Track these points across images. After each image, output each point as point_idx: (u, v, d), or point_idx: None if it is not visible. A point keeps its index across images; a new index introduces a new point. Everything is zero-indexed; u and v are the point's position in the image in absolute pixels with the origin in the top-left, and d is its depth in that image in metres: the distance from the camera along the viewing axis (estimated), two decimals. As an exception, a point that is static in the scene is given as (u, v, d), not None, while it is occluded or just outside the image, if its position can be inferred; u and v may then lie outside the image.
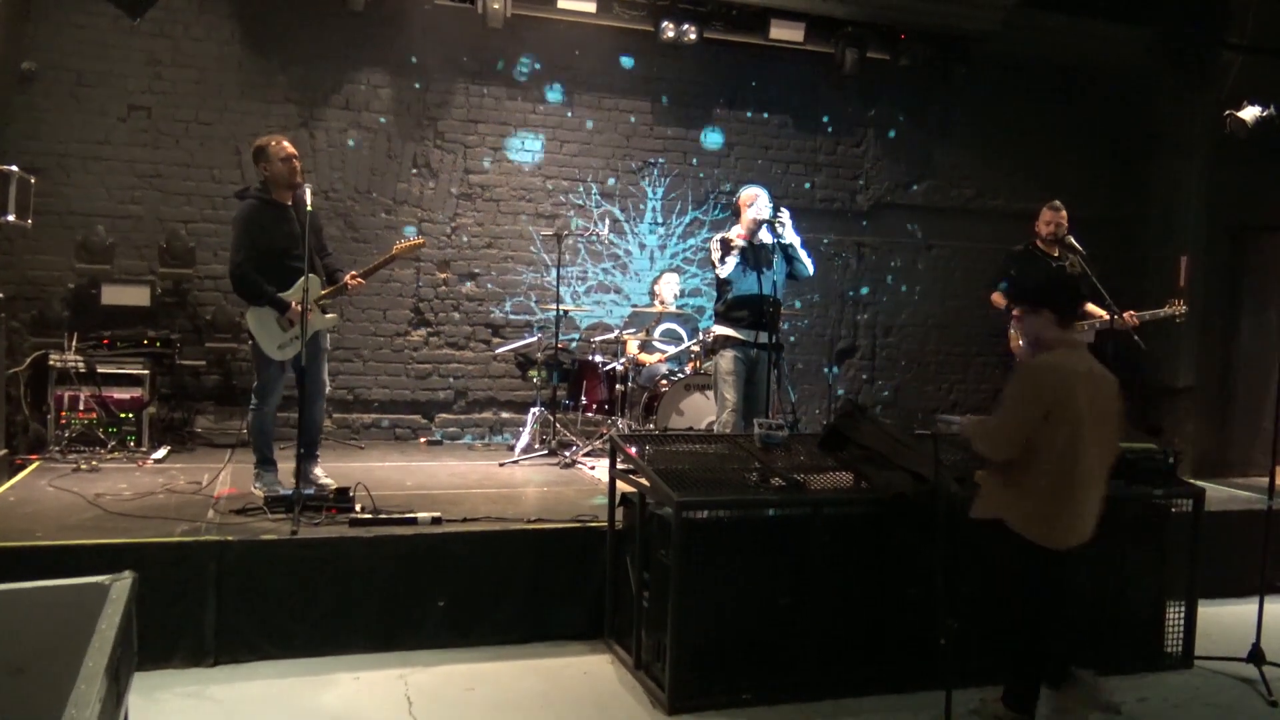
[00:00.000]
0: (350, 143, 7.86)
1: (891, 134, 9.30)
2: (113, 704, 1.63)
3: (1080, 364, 3.90)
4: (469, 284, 8.22)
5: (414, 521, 4.88)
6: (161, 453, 6.67)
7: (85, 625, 1.87)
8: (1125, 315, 6.53)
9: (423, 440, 8.06)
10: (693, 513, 4.15)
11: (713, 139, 8.81)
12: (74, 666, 1.68)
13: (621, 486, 4.88)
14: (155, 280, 7.32)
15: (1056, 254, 6.87)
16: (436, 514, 4.94)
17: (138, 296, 7.16)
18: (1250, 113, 7.28)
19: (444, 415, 8.21)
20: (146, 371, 6.84)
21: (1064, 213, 6.86)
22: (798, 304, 8.89)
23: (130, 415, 6.72)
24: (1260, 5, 5.55)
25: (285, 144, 5.38)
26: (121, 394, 6.75)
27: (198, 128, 7.52)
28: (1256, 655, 4.73)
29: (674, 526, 4.10)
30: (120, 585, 2.03)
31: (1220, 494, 7.00)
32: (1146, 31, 7.60)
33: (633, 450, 4.66)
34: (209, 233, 7.56)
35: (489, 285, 8.26)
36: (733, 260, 6.05)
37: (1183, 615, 4.95)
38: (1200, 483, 5.70)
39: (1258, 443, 9.62)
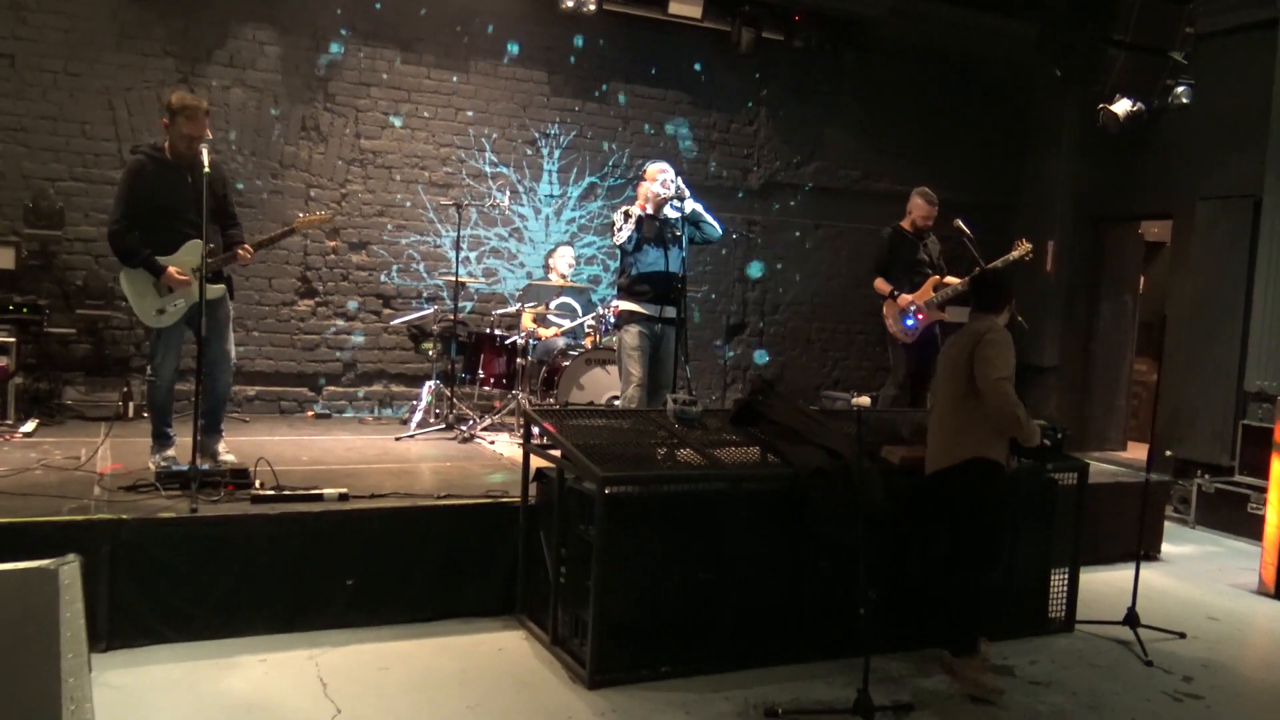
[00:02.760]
0: (233, 102, 7.49)
1: (775, 110, 9.45)
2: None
3: (960, 334, 4.60)
4: (360, 253, 7.97)
5: (320, 498, 4.72)
6: (30, 426, 6.26)
7: (40, 613, 1.75)
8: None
9: (309, 413, 7.82)
10: (616, 488, 4.15)
11: (610, 112, 8.76)
12: (43, 657, 1.57)
13: (533, 461, 4.84)
14: (20, 242, 6.84)
15: (922, 238, 7.22)
16: (343, 490, 4.79)
17: (0, 259, 6.66)
18: (1122, 106, 7.70)
19: (332, 388, 7.97)
20: (12, 339, 6.39)
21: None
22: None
23: (-6, 386, 6.28)
24: (1143, 4, 5.86)
25: (196, 119, 5.00)
26: (-16, 363, 6.29)
27: (67, 79, 7.04)
28: (1132, 619, 5.05)
29: (598, 503, 4.09)
30: (69, 570, 1.89)
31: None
32: (1031, 25, 7.94)
33: (550, 425, 4.61)
34: (79, 192, 7.11)
35: (381, 254, 8.03)
36: (629, 228, 6.01)
37: (1066, 582, 5.24)
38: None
39: (1112, 419, 10.26)
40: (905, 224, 7.21)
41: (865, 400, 8.48)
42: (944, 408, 4.51)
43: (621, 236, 6.04)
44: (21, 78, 6.92)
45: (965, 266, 7.29)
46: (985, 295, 4.61)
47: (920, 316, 6.99)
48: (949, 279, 7.02)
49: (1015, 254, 6.85)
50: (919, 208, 7.14)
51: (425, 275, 8.16)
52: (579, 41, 8.51)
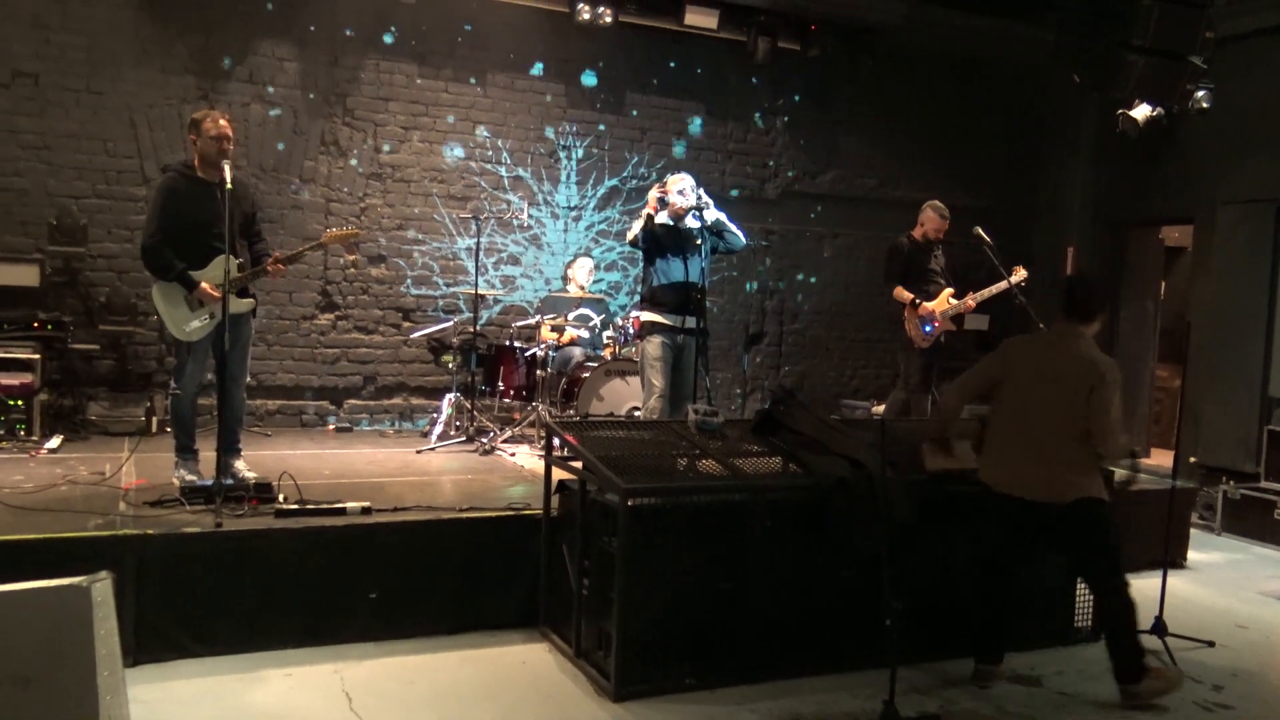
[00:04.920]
0: (252, 118, 7.55)
1: (787, 119, 9.45)
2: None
3: (1054, 343, 4.40)
4: (379, 266, 8.01)
5: (343, 512, 4.73)
6: (55, 442, 6.30)
7: (74, 630, 1.76)
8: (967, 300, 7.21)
9: (330, 427, 7.85)
10: (638, 499, 4.14)
11: (627, 123, 8.78)
12: (79, 675, 1.57)
13: (555, 473, 4.84)
14: (44, 259, 6.90)
15: (933, 249, 7.38)
16: (366, 504, 4.80)
17: (25, 276, 6.72)
18: (1141, 111, 7.67)
19: (352, 401, 8.00)
20: (36, 356, 6.45)
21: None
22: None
23: (19, 402, 6.32)
24: (1161, 9, 5.85)
25: (221, 121, 5.11)
26: (9, 380, 6.33)
27: (89, 97, 7.11)
28: (1160, 627, 5.00)
29: (620, 514, 4.08)
30: (101, 586, 1.91)
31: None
32: (1048, 31, 7.92)
33: (571, 437, 4.62)
34: (102, 209, 7.18)
35: (400, 267, 8.07)
36: (638, 226, 6.06)
37: (1092, 591, 5.18)
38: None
39: (1135, 425, 10.17)
40: (916, 234, 7.37)
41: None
42: (1054, 436, 4.25)
43: (631, 234, 6.17)
44: (45, 96, 7.00)
45: (984, 274, 7.33)
46: (1081, 300, 4.35)
47: (936, 324, 7.19)
48: (984, 291, 7.16)
49: (1015, 279, 6.94)
50: (930, 220, 7.33)
51: (444, 287, 8.19)
52: (596, 53, 8.54)
